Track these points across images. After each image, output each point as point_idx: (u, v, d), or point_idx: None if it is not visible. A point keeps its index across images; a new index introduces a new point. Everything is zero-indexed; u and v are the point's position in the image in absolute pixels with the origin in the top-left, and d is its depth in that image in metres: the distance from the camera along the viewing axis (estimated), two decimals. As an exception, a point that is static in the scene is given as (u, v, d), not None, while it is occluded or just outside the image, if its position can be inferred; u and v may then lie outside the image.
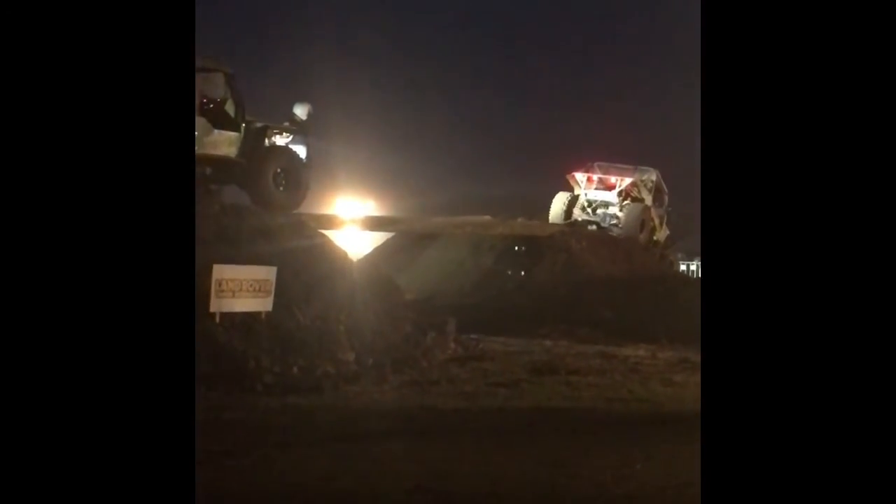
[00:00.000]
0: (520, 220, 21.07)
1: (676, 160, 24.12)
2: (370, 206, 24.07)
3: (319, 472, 6.00)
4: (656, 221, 22.27)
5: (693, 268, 27.41)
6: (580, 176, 22.14)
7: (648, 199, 22.00)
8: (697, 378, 11.02)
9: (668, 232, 22.99)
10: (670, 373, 11.47)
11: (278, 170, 12.72)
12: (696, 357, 12.74)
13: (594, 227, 21.82)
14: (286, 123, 13.04)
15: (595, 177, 22.07)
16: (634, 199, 21.96)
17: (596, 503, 5.51)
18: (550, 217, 21.82)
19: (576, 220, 21.82)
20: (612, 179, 22.05)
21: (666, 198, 22.70)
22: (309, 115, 13.22)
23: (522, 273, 19.14)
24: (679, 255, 24.91)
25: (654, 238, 22.37)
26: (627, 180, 21.91)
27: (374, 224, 19.99)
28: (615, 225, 21.72)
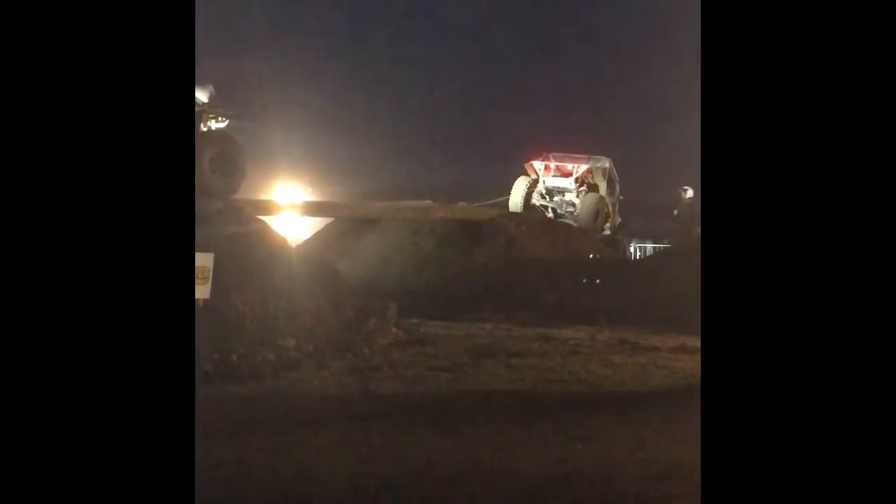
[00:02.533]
0: (461, 204, 21.15)
1: (622, 150, 24.66)
2: (309, 191, 23.88)
3: (261, 460, 5.95)
4: (610, 209, 22.68)
5: (630, 249, 27.88)
6: (538, 164, 22.59)
7: (603, 186, 22.56)
8: (636, 359, 11.22)
9: (619, 219, 23.38)
10: (609, 354, 11.62)
11: (214, 154, 12.52)
12: (634, 338, 12.97)
13: (551, 213, 22.22)
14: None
15: (552, 165, 22.47)
16: (590, 186, 22.42)
17: (537, 484, 5.56)
18: (510, 205, 22.12)
19: (535, 206, 22.19)
20: (569, 167, 22.54)
21: (617, 186, 23.16)
22: (211, 97, 12.99)
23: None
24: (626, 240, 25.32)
25: (608, 225, 22.77)
26: (583, 167, 22.44)
27: (313, 209, 19.84)
28: (571, 212, 22.18)
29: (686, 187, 23.22)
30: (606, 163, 22.81)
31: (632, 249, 25.82)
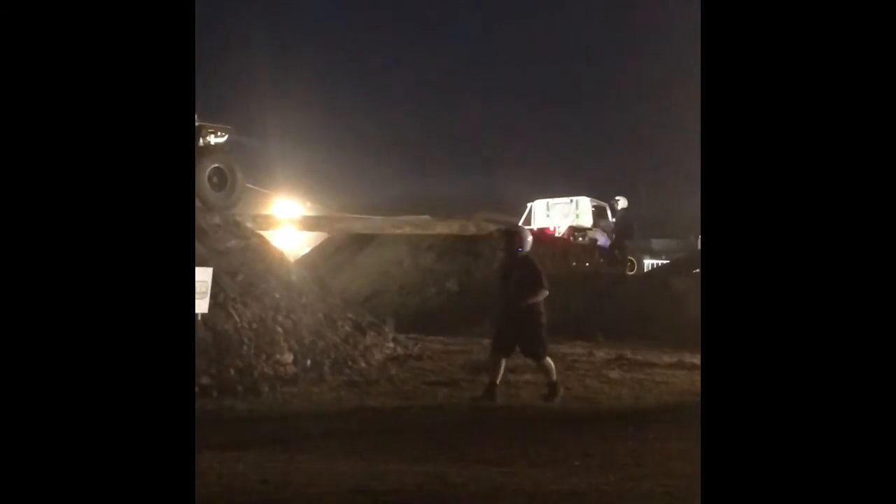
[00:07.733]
0: (459, 220, 21.21)
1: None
2: (307, 206, 23.91)
3: (257, 474, 5.92)
4: (601, 240, 22.82)
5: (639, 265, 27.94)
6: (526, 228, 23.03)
7: (589, 226, 22.90)
8: (633, 375, 11.21)
9: (612, 233, 23.38)
10: (606, 370, 11.61)
11: (213, 169, 12.55)
12: (631, 354, 12.97)
13: None
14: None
15: (537, 229, 22.83)
16: (578, 233, 22.65)
17: (535, 501, 5.54)
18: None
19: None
20: (551, 227, 22.99)
21: (608, 211, 23.22)
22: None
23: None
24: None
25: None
26: (564, 227, 22.70)
27: (312, 224, 19.86)
28: None
29: (618, 197, 23.18)
30: (587, 204, 23.04)
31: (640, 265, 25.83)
